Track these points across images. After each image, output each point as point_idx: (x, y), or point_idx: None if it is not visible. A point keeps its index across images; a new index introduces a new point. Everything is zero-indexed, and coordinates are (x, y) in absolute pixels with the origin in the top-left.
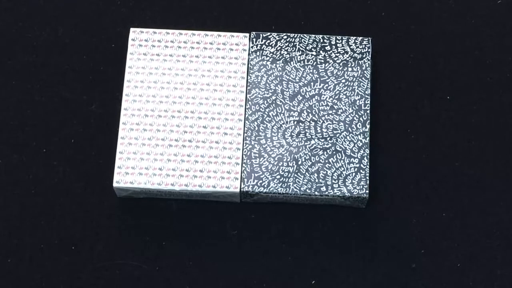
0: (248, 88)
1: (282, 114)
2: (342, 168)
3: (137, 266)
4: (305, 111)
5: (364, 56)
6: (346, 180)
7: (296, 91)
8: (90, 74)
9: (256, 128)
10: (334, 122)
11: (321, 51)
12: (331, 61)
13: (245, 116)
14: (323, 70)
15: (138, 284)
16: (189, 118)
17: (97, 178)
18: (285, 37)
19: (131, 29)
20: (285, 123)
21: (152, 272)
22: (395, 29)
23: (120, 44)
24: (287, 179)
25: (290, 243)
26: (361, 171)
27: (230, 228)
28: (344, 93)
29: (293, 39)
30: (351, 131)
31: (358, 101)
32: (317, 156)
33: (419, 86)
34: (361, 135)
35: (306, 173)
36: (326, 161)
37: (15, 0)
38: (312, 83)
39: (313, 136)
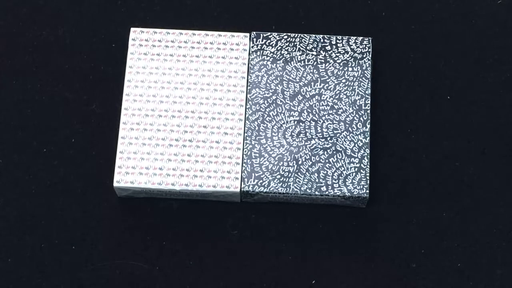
0: (248, 88)
1: (282, 114)
2: (342, 168)
3: (137, 266)
4: (305, 111)
5: (364, 56)
6: (347, 180)
7: (296, 91)
8: (90, 74)
9: (257, 128)
10: (334, 122)
11: (321, 51)
12: (331, 61)
13: (245, 116)
14: (323, 70)
15: (138, 284)
16: (189, 118)
17: (97, 178)
18: (286, 37)
19: (132, 29)
20: (285, 123)
21: (152, 272)
22: (395, 29)
23: (120, 44)
24: (287, 179)
25: (290, 243)
26: (361, 171)
27: (230, 228)
28: (345, 93)
29: (294, 39)
30: (351, 131)
31: (358, 101)
32: (317, 156)
33: (419, 86)
34: (361, 135)
35: (307, 173)
36: (327, 161)
37: (15, 0)
38: (312, 83)
39: (313, 136)
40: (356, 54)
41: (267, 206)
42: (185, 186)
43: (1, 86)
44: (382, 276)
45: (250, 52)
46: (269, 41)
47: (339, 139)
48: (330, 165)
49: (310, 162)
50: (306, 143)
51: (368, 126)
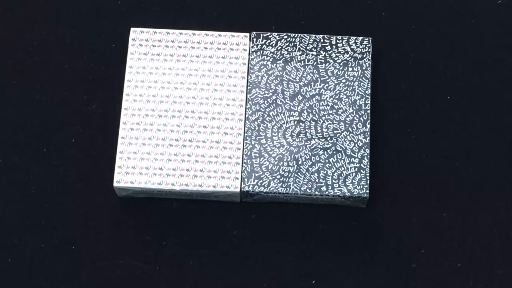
0: (248, 88)
1: (282, 114)
2: (343, 168)
3: (137, 266)
4: (305, 111)
5: (364, 56)
6: (346, 180)
7: (296, 91)
8: (90, 74)
9: (257, 128)
10: (334, 122)
11: (321, 51)
12: (331, 61)
13: (245, 116)
14: (323, 70)
15: (138, 284)
16: (189, 118)
17: (97, 178)
18: (286, 37)
19: (132, 29)
20: (285, 123)
21: (152, 272)
22: (395, 29)
23: (121, 44)
24: (287, 179)
25: (290, 243)
26: (361, 171)
27: (230, 228)
28: (345, 93)
29: (294, 39)
30: (351, 131)
31: (358, 101)
32: (317, 156)
33: (419, 86)
34: (361, 135)
35: (307, 173)
36: (327, 161)
37: (15, 0)
38: (312, 83)
39: (313, 136)
40: (356, 54)
41: (267, 206)
42: (185, 186)
43: (1, 86)
44: (382, 276)
45: (250, 52)
46: (269, 41)
47: (339, 139)
48: (330, 165)
49: (310, 162)
50: (306, 143)
51: (368, 126)
